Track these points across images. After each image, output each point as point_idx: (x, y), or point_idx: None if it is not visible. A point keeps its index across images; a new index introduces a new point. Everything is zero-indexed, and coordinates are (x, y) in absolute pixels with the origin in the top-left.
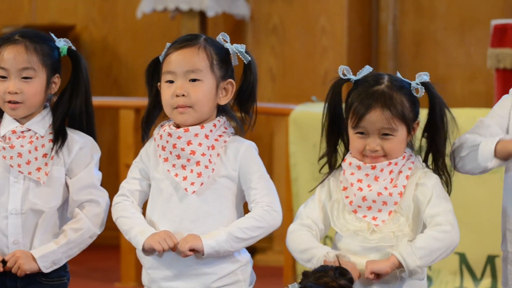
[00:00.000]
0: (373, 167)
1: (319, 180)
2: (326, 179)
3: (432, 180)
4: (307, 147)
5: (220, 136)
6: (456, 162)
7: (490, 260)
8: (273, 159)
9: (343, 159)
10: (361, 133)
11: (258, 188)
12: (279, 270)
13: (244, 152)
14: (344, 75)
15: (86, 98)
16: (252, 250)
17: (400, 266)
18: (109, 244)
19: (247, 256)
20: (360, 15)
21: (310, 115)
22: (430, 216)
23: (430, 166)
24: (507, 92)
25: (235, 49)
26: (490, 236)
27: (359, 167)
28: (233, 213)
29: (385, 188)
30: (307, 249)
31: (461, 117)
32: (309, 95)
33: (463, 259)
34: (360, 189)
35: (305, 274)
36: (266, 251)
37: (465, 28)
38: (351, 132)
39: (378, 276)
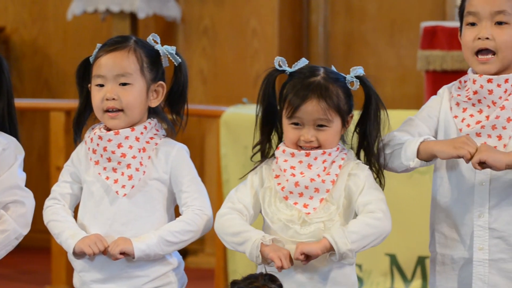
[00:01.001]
0: (307, 154)
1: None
2: (259, 166)
3: (365, 171)
4: (238, 149)
5: (151, 138)
6: (382, 159)
7: (421, 261)
8: (204, 161)
9: (276, 148)
10: (296, 124)
11: (189, 192)
12: (211, 272)
13: (175, 155)
14: (280, 66)
15: (8, 100)
16: (184, 252)
17: (331, 249)
18: (39, 246)
19: (178, 258)
20: (291, 17)
21: (241, 117)
22: (363, 204)
23: (362, 161)
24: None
25: (166, 50)
26: (420, 237)
27: (292, 154)
28: (164, 216)
29: (318, 175)
30: (240, 231)
31: (391, 119)
32: (240, 97)
33: (393, 261)
34: (293, 175)
35: (234, 282)
36: (197, 253)
37: (395, 30)
38: (285, 122)
39: (308, 258)
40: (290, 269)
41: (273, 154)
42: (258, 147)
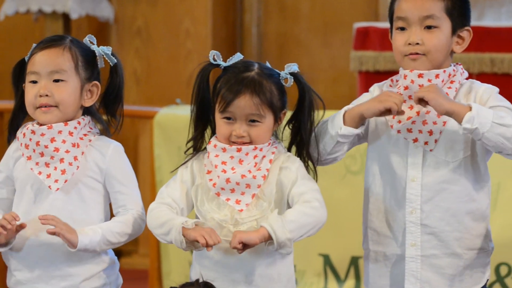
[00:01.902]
0: (239, 150)
1: (175, 173)
2: (190, 160)
3: (296, 163)
4: (172, 150)
5: (85, 135)
6: (314, 147)
7: (354, 261)
8: (138, 162)
9: (208, 142)
10: (229, 118)
11: (127, 194)
12: (145, 273)
13: (112, 153)
14: (215, 60)
15: None
16: (118, 253)
17: (269, 238)
18: None
19: (113, 258)
20: (224, 17)
21: (174, 117)
22: (298, 194)
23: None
24: None
25: (102, 51)
26: (353, 237)
27: (224, 150)
28: (99, 213)
29: (249, 171)
30: (165, 221)
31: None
32: (173, 97)
33: (327, 261)
34: (224, 171)
35: None
36: (131, 254)
37: (328, 30)
38: (218, 117)
39: (245, 246)
40: (226, 268)
41: (205, 148)
42: (191, 142)
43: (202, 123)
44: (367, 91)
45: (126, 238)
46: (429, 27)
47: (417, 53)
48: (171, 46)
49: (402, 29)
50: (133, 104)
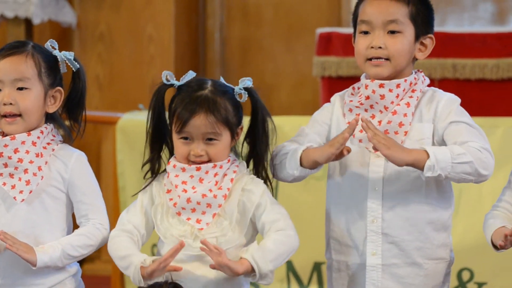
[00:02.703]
0: (198, 168)
1: (136, 198)
2: (149, 185)
3: (260, 187)
4: (135, 156)
5: (48, 144)
6: (273, 170)
7: (316, 267)
8: (100, 168)
9: (167, 163)
10: (186, 138)
11: (89, 204)
12: (107, 279)
13: (74, 163)
14: (168, 80)
15: None
16: (80, 259)
17: (252, 271)
18: None
19: (75, 266)
20: (187, 22)
21: (137, 123)
22: (270, 221)
23: (251, 171)
24: None
25: (64, 56)
26: (316, 243)
27: (183, 169)
28: (62, 223)
29: (210, 190)
30: (125, 256)
31: (287, 125)
32: (136, 103)
33: (290, 267)
34: (185, 190)
35: None
36: (94, 260)
37: (292, 35)
38: (175, 137)
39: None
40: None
41: (165, 169)
42: (148, 164)
43: (158, 145)
44: (329, 96)
45: (90, 249)
46: (392, 32)
47: (379, 58)
48: (134, 51)
49: (366, 32)
50: (96, 109)
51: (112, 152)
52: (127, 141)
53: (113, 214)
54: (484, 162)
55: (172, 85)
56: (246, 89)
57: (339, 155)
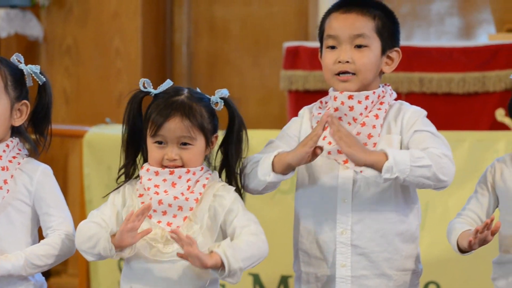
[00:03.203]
0: (171, 172)
1: (107, 199)
2: (122, 186)
3: (232, 194)
4: (102, 169)
5: (13, 157)
6: (243, 181)
7: (283, 281)
8: (67, 181)
9: (141, 167)
10: (160, 142)
11: (54, 215)
12: None
13: (39, 176)
14: (145, 87)
15: None
16: (47, 273)
17: (221, 266)
18: None
19: (41, 279)
20: (154, 36)
21: (104, 136)
22: (242, 226)
23: (223, 180)
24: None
25: (30, 70)
26: (283, 256)
27: (156, 173)
28: (27, 237)
29: (182, 193)
30: (93, 234)
31: (254, 138)
32: (103, 116)
33: (257, 280)
34: (157, 193)
35: None
36: (60, 274)
37: (259, 49)
38: (150, 142)
39: (186, 257)
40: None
41: (138, 175)
42: (123, 169)
43: (134, 150)
44: (297, 110)
45: (54, 259)
46: (359, 46)
47: (347, 72)
48: (101, 65)
49: (333, 47)
50: (63, 123)
51: (78, 166)
52: (94, 155)
53: None
54: (443, 167)
55: (148, 92)
56: (222, 98)
57: (313, 155)
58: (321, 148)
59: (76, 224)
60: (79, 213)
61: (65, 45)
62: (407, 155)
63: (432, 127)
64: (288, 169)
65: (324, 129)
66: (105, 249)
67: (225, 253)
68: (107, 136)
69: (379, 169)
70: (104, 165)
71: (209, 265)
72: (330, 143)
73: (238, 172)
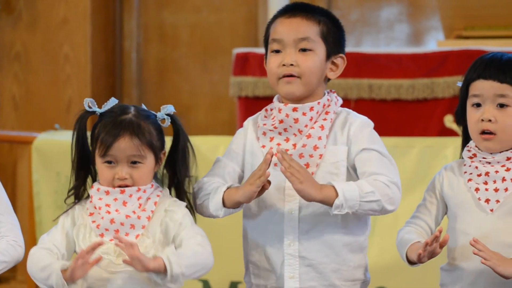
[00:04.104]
0: (122, 192)
1: (63, 208)
2: (71, 208)
3: (183, 209)
4: (51, 175)
5: None
6: (196, 208)
7: (233, 287)
8: (16, 188)
9: (91, 187)
10: (110, 162)
11: (2, 222)
12: None
13: None
14: (90, 107)
15: None
16: None
17: (164, 270)
18: None
19: None
20: (104, 43)
21: (53, 143)
22: (188, 237)
23: (173, 195)
24: None
25: None
26: (233, 262)
27: (107, 192)
28: None
29: (134, 212)
30: (45, 266)
31: (204, 145)
32: (52, 123)
33: (206, 286)
34: (108, 212)
35: None
36: (9, 280)
37: (208, 56)
38: (99, 162)
39: (131, 264)
40: None
41: (88, 195)
42: (73, 191)
43: (83, 172)
44: (246, 116)
45: (4, 266)
46: (303, 50)
47: (291, 75)
48: (50, 71)
49: (277, 51)
50: (12, 129)
51: (27, 172)
52: (43, 161)
53: (29, 234)
54: (391, 198)
55: (94, 112)
56: (168, 114)
57: (261, 191)
58: (270, 183)
59: (24, 231)
60: (27, 219)
61: (14, 51)
62: (357, 190)
63: (379, 145)
64: (238, 205)
65: (269, 165)
66: (57, 284)
67: (169, 258)
68: (56, 143)
69: (329, 205)
70: (53, 171)
71: (151, 267)
72: (276, 154)
73: (188, 190)
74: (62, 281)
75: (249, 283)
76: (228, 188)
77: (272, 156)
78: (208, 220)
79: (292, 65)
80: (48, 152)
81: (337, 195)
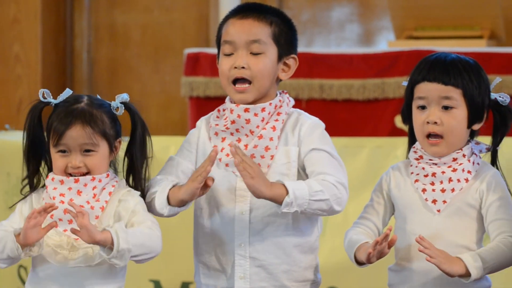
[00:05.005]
0: (76, 181)
1: (13, 209)
2: (29, 196)
3: (136, 198)
4: (1, 176)
5: None
6: (147, 206)
7: (184, 287)
8: None
9: (46, 177)
10: (63, 151)
11: None
12: None
13: None
14: (45, 98)
15: None
16: None
17: (111, 244)
18: None
19: None
20: (55, 42)
21: (4, 143)
22: (138, 222)
23: (131, 184)
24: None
25: None
26: (184, 263)
27: (62, 182)
28: None
29: (87, 202)
30: (1, 237)
31: (156, 145)
32: (3, 123)
33: (157, 287)
34: (62, 202)
35: None
36: None
37: (159, 56)
38: (53, 151)
39: (79, 233)
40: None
41: (44, 185)
42: (26, 180)
43: (35, 161)
44: (198, 116)
45: None
46: (255, 53)
47: (243, 79)
48: (1, 71)
49: (229, 53)
50: None
51: None
52: None
53: None
54: (339, 198)
55: (48, 103)
56: (123, 103)
57: (204, 188)
58: (213, 180)
59: None
60: None
61: None
62: (306, 189)
63: (329, 146)
64: (182, 203)
65: (213, 163)
66: (12, 250)
67: (117, 232)
68: (6, 143)
69: (278, 203)
70: (4, 172)
71: (97, 239)
72: (228, 155)
73: (145, 177)
74: (16, 245)
75: (199, 283)
76: (174, 186)
77: (216, 154)
78: (160, 220)
79: (243, 68)
80: None
81: (287, 193)
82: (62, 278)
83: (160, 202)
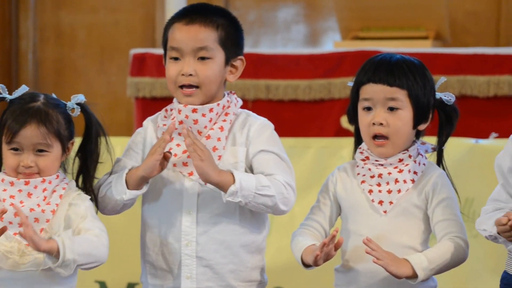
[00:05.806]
0: (27, 183)
1: None
2: None
3: (86, 202)
4: None
5: None
6: (99, 206)
7: None
8: None
9: None
10: (16, 149)
11: None
12: None
13: None
14: (0, 93)
15: None
16: None
17: (57, 252)
18: None
19: None
20: (0, 43)
21: None
22: (86, 229)
23: (81, 186)
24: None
25: None
26: (129, 264)
27: (12, 183)
28: None
29: (38, 205)
30: None
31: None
32: None
33: (103, 287)
34: (12, 204)
35: None
36: None
37: (105, 56)
38: (5, 148)
39: (26, 238)
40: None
41: None
42: None
43: None
44: (144, 116)
45: None
46: (202, 58)
47: (190, 85)
48: None
49: (176, 59)
50: None
51: None
52: None
53: None
54: (286, 198)
55: (3, 98)
56: (79, 104)
57: (163, 162)
58: (170, 153)
59: None
60: None
61: None
62: (254, 182)
63: (278, 147)
64: (142, 182)
65: (171, 138)
66: None
67: (63, 242)
68: None
69: (224, 190)
70: None
71: (42, 248)
72: (176, 155)
73: (96, 177)
74: None
75: (145, 283)
76: (129, 170)
77: (174, 126)
78: (105, 220)
79: (191, 75)
80: None
81: (234, 182)
82: (13, 282)
83: (118, 188)
